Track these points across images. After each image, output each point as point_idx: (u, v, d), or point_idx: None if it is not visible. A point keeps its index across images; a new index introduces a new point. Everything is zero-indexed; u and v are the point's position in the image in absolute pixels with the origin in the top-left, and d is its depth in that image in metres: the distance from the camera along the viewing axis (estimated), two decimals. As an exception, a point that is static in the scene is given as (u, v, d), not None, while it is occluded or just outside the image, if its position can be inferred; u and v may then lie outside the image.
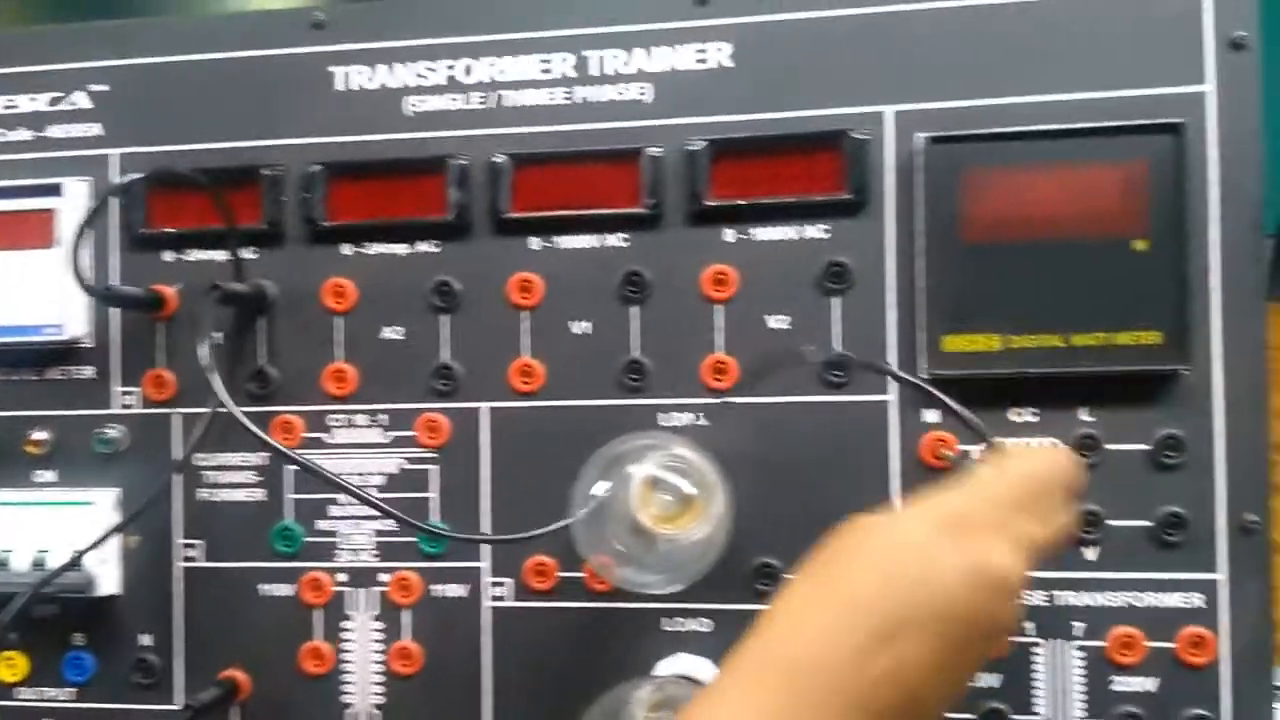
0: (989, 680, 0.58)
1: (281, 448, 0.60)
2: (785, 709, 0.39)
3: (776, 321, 0.60)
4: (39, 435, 0.67)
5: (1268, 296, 0.58)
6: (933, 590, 0.41)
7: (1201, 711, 0.57)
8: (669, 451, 0.54)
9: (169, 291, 0.66)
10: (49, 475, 0.67)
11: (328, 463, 0.64)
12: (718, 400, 0.60)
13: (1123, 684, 0.57)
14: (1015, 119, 0.58)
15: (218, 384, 0.56)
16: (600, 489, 0.52)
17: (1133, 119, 0.56)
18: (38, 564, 0.64)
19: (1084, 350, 0.57)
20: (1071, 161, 0.57)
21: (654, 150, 0.61)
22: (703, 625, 0.61)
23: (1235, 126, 0.56)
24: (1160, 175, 0.56)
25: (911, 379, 0.57)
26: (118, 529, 0.63)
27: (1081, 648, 0.58)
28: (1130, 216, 0.56)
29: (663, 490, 0.54)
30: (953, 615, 0.41)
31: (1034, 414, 0.58)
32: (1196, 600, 0.57)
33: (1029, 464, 0.47)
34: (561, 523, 0.56)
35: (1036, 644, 0.58)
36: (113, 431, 0.66)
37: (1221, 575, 0.57)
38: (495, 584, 0.63)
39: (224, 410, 0.59)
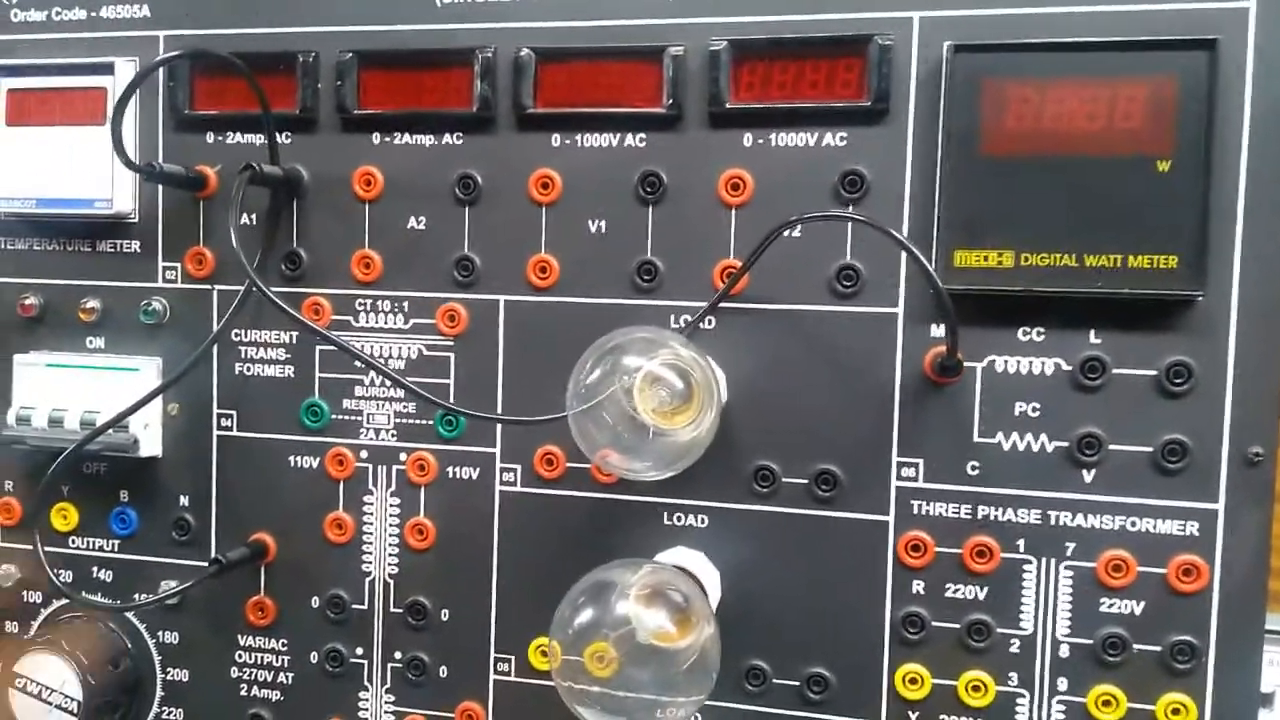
0: (975, 591, 0.60)
1: (314, 326, 0.64)
2: None
3: (790, 229, 0.61)
4: (91, 304, 0.72)
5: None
6: None
7: (1187, 638, 0.58)
8: (670, 349, 0.56)
9: (210, 172, 0.70)
10: (99, 342, 0.72)
11: (354, 345, 0.68)
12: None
13: (1110, 605, 0.59)
14: (1046, 29, 0.57)
15: (245, 263, 0.60)
16: (597, 378, 0.55)
17: (1168, 34, 0.55)
18: (86, 424, 0.70)
19: (1097, 271, 0.57)
20: (1098, 76, 0.56)
21: (675, 49, 0.62)
22: (700, 521, 0.64)
23: (1277, 45, 0.55)
24: (1189, 94, 0.55)
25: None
26: (156, 392, 0.68)
27: (1071, 567, 0.59)
28: (1155, 135, 0.56)
29: (661, 386, 0.56)
30: None
31: (1041, 333, 0.59)
32: (1193, 529, 0.58)
33: None
34: (579, 408, 0.57)
35: (1027, 561, 0.60)
36: (156, 304, 0.71)
37: (1220, 505, 0.57)
38: (506, 469, 0.67)
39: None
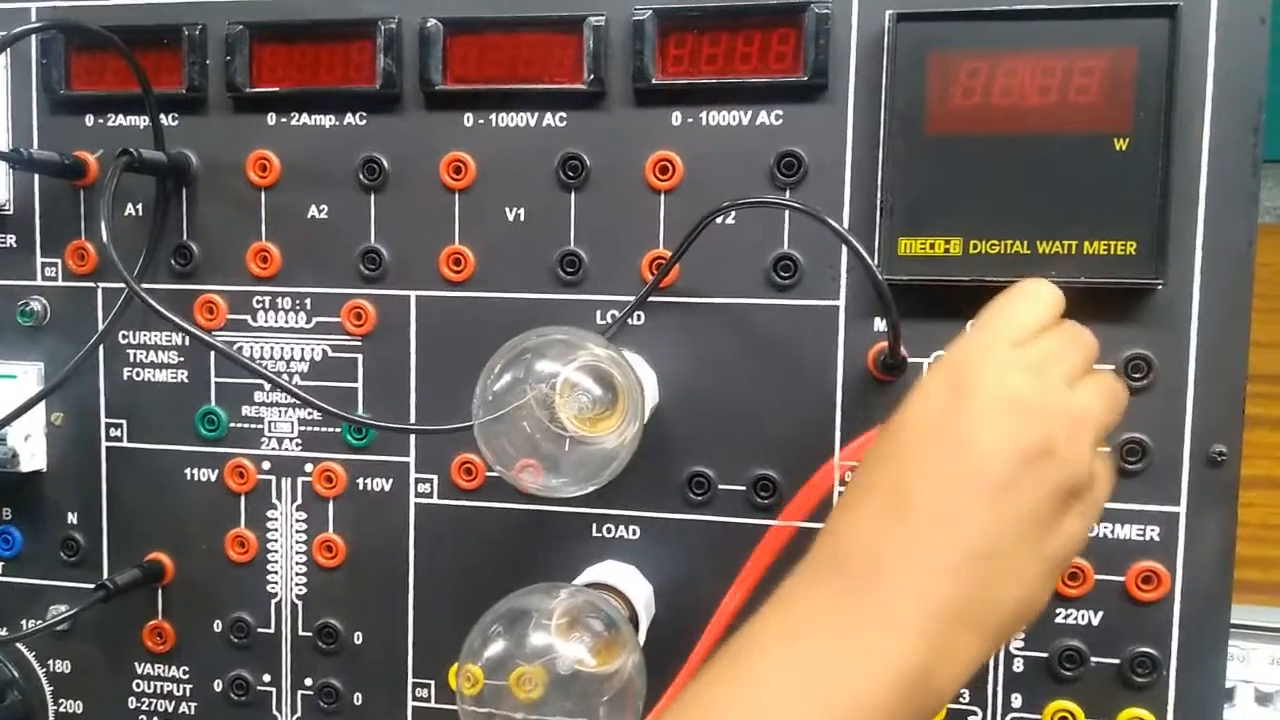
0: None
1: (196, 331, 0.60)
2: (844, 605, 0.40)
3: (723, 215, 0.58)
4: (-39, 304, 0.67)
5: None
6: (980, 467, 0.40)
7: (1148, 649, 0.56)
8: (588, 350, 0.53)
9: (90, 158, 0.65)
10: (-27, 346, 0.68)
11: (251, 347, 0.64)
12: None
13: (1066, 616, 0.57)
14: (995, -2, 0.54)
15: (118, 262, 0.55)
16: (507, 384, 0.51)
17: (1126, 1, 0.52)
18: (-40, 436, 0.66)
19: (1051, 259, 0.54)
20: (1052, 47, 0.53)
21: (596, 19, 0.58)
22: (632, 533, 0.61)
23: (1240, 13, 0.52)
24: (1149, 66, 0.52)
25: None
26: (35, 401, 0.64)
27: (1026, 576, 0.57)
28: (1113, 111, 0.53)
29: (580, 392, 0.53)
30: (1005, 498, 0.40)
31: (993, 327, 0.56)
32: (1153, 533, 0.55)
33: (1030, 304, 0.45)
34: (489, 417, 0.54)
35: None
36: (35, 304, 0.66)
37: (1181, 508, 0.55)
38: (421, 480, 0.63)
39: (143, 286, 0.59)
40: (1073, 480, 0.42)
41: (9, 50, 0.65)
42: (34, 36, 0.65)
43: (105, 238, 0.56)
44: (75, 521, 0.67)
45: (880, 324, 0.57)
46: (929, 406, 0.43)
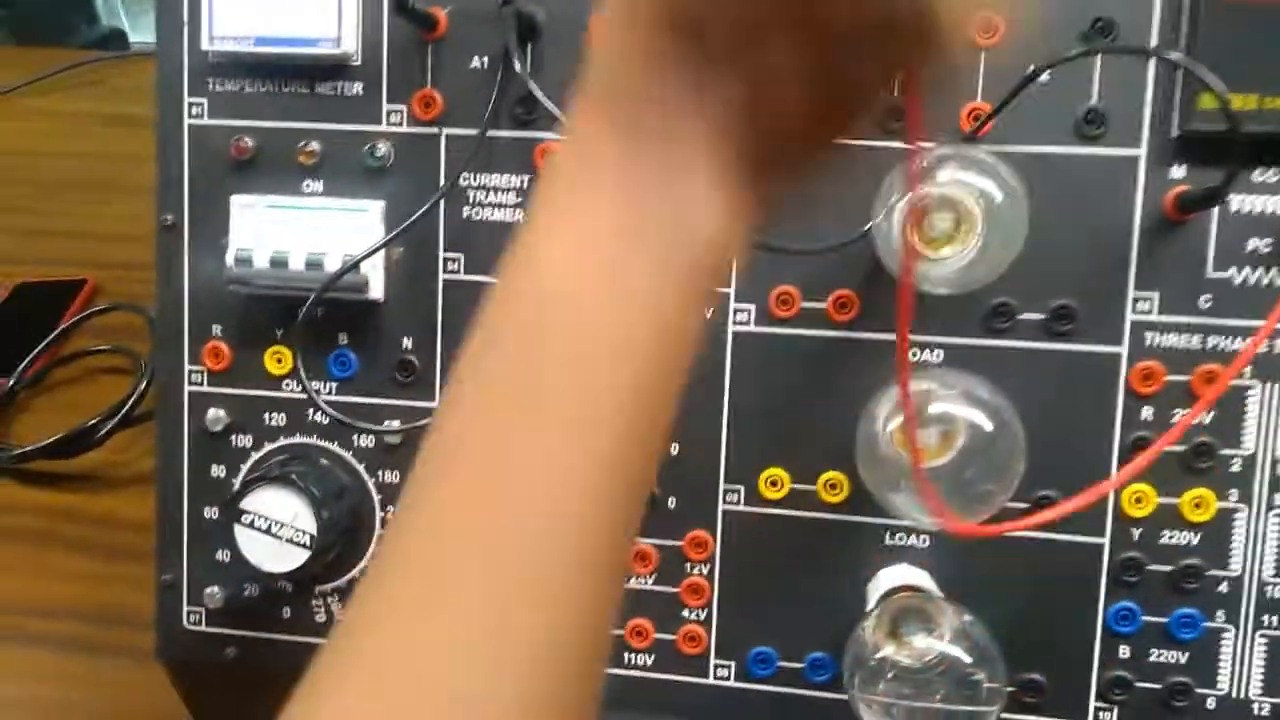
0: (1201, 415, 0.69)
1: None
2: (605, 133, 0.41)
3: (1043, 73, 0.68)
4: (311, 146, 0.76)
5: None
6: None
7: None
8: (967, 162, 0.63)
9: (440, 13, 0.74)
10: (317, 185, 0.77)
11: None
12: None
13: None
14: (1299, -118, 0.64)
15: (542, 96, 0.66)
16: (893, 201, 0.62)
17: None
18: (312, 265, 0.75)
19: (1333, 113, 0.65)
20: (1353, -75, 0.63)
21: (936, -105, 0.68)
22: (935, 356, 0.72)
23: None
24: None
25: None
26: (393, 237, 0.74)
27: (1289, 393, 0.68)
28: (1401, -17, 0.63)
29: (944, 210, 0.63)
30: None
31: (1277, 174, 0.67)
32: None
33: None
34: (875, 221, 0.66)
35: (1251, 386, 0.68)
36: (382, 147, 0.76)
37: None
38: (739, 310, 0.73)
39: (490, 135, 0.70)
40: None
41: (361, -87, 0.74)
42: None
43: (519, 67, 0.67)
44: (410, 346, 0.77)
45: (1176, 171, 0.68)
46: None
